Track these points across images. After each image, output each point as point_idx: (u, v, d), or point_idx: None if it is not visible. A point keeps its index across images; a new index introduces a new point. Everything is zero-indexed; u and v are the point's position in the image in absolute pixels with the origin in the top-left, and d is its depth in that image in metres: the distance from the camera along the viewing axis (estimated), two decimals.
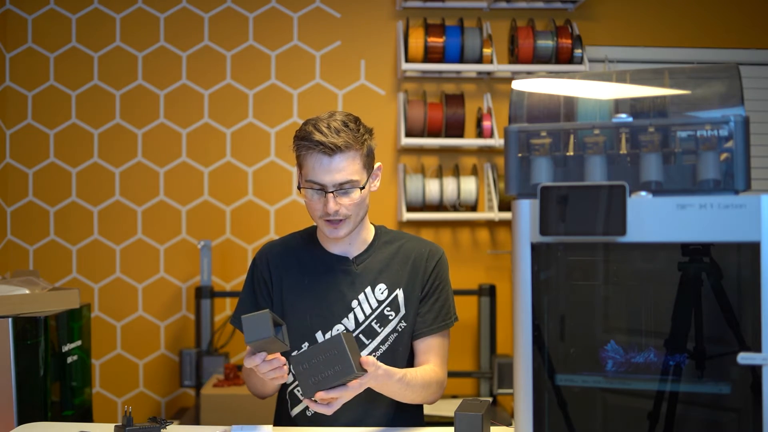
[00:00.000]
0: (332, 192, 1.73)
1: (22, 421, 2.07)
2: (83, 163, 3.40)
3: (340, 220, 1.76)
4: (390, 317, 1.82)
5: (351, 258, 1.85)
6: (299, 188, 1.79)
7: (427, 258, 1.87)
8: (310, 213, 1.80)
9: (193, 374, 3.13)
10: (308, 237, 1.91)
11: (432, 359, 1.83)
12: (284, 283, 1.85)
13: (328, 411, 1.59)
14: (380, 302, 1.82)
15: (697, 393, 1.34)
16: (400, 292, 1.83)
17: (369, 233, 1.89)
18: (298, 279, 1.85)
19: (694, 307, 1.33)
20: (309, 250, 1.88)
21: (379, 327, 1.81)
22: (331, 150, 1.71)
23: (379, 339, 1.81)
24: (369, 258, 1.86)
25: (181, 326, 3.41)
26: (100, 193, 3.40)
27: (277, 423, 1.90)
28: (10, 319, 2.09)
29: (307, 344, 1.81)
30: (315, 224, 1.89)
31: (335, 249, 1.86)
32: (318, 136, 1.71)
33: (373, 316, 1.81)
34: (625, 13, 3.48)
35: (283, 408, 1.89)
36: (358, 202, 1.76)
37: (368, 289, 1.83)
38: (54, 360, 2.22)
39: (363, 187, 1.76)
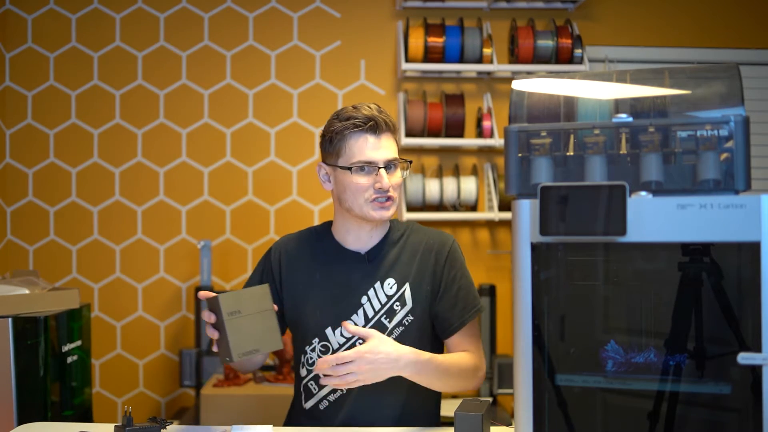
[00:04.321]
0: (383, 167, 1.78)
1: (22, 421, 2.07)
2: (83, 163, 3.40)
3: (389, 198, 1.79)
4: (397, 311, 1.82)
5: (363, 253, 1.86)
6: (328, 180, 1.84)
7: (437, 251, 1.86)
8: (352, 201, 1.79)
9: (193, 374, 3.13)
10: (324, 232, 1.92)
11: (466, 347, 1.84)
12: (296, 279, 1.87)
13: (342, 384, 1.63)
14: (389, 297, 1.82)
15: (697, 393, 1.34)
16: (407, 287, 1.83)
17: (384, 228, 1.90)
18: (310, 275, 1.86)
19: (694, 307, 1.33)
20: (323, 246, 1.89)
21: (388, 322, 1.81)
22: (379, 128, 1.77)
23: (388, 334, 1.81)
24: (381, 252, 1.86)
25: (181, 326, 3.41)
26: (100, 193, 3.40)
27: (291, 415, 1.92)
28: (10, 319, 2.09)
29: (317, 340, 1.83)
30: (330, 220, 1.92)
31: (349, 244, 1.87)
32: (367, 111, 1.78)
33: (382, 312, 1.81)
34: (625, 13, 3.48)
35: (297, 401, 1.90)
36: (401, 183, 1.84)
37: (378, 284, 1.83)
38: (54, 360, 2.22)
39: (406, 169, 1.84)
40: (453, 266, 1.85)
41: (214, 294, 1.60)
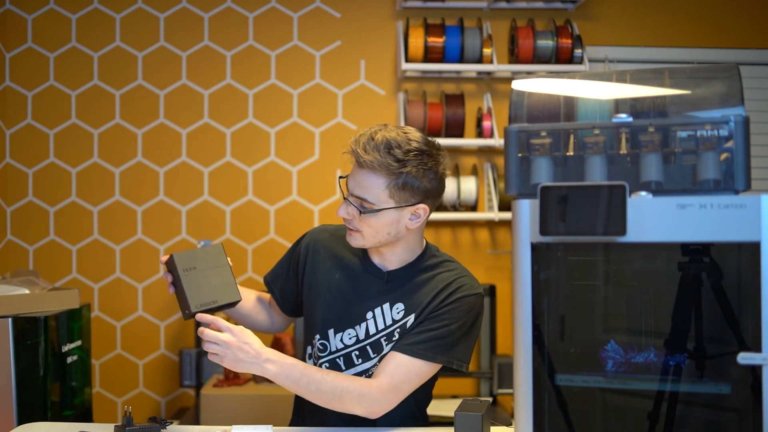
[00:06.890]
0: (347, 198, 1.74)
1: (22, 421, 2.07)
2: (83, 163, 3.40)
3: (353, 229, 1.76)
4: (395, 338, 1.78)
5: (384, 271, 1.83)
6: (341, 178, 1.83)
7: (453, 291, 1.76)
8: None
9: (193, 374, 3.14)
10: None
11: (381, 375, 1.71)
12: (318, 270, 1.87)
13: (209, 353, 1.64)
14: (394, 321, 1.79)
15: (697, 393, 1.34)
16: (411, 318, 1.79)
17: (411, 254, 1.82)
18: (331, 272, 1.86)
19: (694, 307, 1.33)
20: (352, 250, 1.88)
21: (387, 345, 1.79)
22: (357, 161, 1.71)
23: (382, 355, 1.79)
24: (402, 277, 1.82)
25: (181, 326, 3.41)
26: (100, 193, 3.40)
27: (296, 404, 1.93)
28: (10, 319, 2.09)
29: (318, 337, 1.83)
30: None
31: (375, 258, 1.84)
32: (352, 143, 1.72)
33: (383, 333, 1.79)
34: (625, 13, 3.48)
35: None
36: (369, 223, 1.72)
37: (387, 305, 1.79)
38: (54, 360, 2.22)
39: (368, 211, 1.70)
40: (451, 312, 1.74)
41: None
